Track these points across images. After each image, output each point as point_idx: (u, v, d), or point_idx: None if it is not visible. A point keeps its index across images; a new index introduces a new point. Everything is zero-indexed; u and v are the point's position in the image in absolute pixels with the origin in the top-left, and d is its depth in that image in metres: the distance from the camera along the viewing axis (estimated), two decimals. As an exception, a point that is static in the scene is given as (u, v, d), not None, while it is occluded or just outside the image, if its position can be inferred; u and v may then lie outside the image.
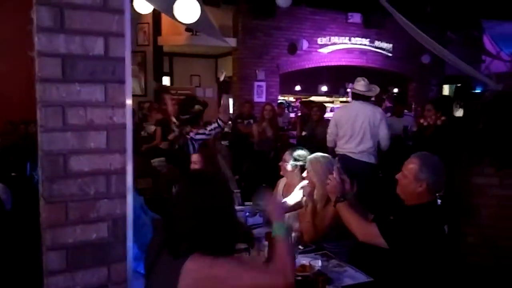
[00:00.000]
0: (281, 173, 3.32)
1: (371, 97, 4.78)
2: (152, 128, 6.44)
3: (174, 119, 4.52)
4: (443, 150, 2.43)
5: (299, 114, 9.27)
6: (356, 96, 4.71)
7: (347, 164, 4.04)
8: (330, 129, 4.76)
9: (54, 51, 1.38)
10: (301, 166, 3.17)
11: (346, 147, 4.48)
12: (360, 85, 4.67)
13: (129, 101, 1.52)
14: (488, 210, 3.26)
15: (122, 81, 1.50)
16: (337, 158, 2.49)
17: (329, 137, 4.80)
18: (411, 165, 2.18)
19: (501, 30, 9.94)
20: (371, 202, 2.63)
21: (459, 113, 6.40)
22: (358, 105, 4.63)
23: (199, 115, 4.38)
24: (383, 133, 4.44)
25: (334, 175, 2.37)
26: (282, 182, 3.41)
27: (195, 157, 3.32)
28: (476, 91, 11.38)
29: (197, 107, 4.36)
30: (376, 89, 4.80)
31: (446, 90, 12.61)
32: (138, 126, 6.63)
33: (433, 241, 2.10)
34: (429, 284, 2.10)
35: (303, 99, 10.77)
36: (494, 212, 3.24)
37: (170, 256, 1.52)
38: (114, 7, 1.46)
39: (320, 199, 2.77)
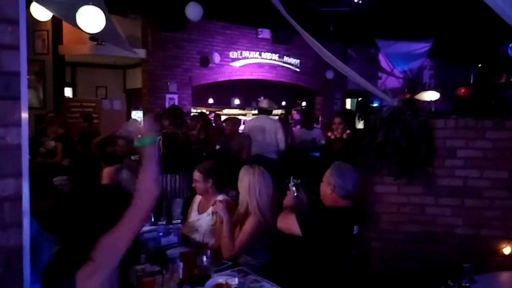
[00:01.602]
0: (197, 193, 3.27)
1: (272, 111, 6.20)
2: (52, 144, 5.92)
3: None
4: (349, 161, 2.59)
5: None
6: (262, 111, 6.11)
7: (260, 160, 5.07)
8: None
9: None
10: (213, 179, 3.15)
11: (257, 148, 5.69)
12: (264, 102, 6.19)
13: (25, 119, 1.37)
14: (387, 216, 3.54)
15: (16, 97, 1.35)
16: (292, 178, 2.59)
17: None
18: (327, 172, 2.47)
19: (394, 49, 10.95)
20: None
21: (360, 125, 6.91)
22: (263, 117, 6.02)
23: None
24: (281, 138, 5.84)
25: (290, 190, 2.57)
26: (197, 199, 3.36)
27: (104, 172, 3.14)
28: (374, 104, 12.41)
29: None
30: (274, 106, 6.37)
31: (348, 103, 13.56)
32: (35, 142, 6.06)
33: (340, 237, 2.33)
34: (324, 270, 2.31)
35: (216, 112, 10.80)
36: (393, 218, 3.53)
37: (64, 273, 1.46)
38: (6, 17, 1.32)
39: (244, 211, 2.76)
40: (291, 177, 2.60)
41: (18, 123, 1.36)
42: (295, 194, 2.56)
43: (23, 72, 1.37)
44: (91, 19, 4.29)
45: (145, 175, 1.54)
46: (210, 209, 3.05)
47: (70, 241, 1.53)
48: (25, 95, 1.37)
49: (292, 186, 2.57)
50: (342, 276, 2.36)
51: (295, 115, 10.25)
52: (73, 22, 4.35)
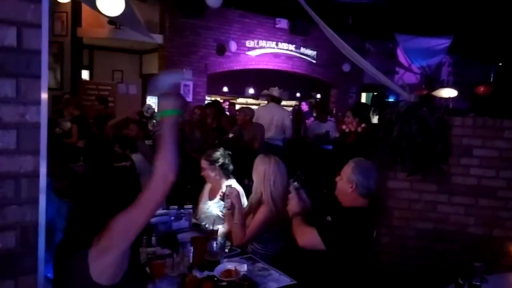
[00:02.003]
0: (207, 181, 3.29)
1: (281, 100, 6.57)
2: (68, 125, 6.00)
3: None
4: (362, 155, 2.56)
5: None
6: (272, 99, 6.33)
7: (266, 146, 5.54)
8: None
9: (-45, 39, 1.23)
10: (220, 166, 3.17)
11: (266, 135, 5.90)
12: (276, 91, 6.39)
13: (44, 98, 1.39)
14: (399, 212, 3.52)
15: (37, 76, 1.37)
16: (292, 180, 2.51)
17: None
18: (347, 168, 2.35)
19: (413, 44, 10.76)
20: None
21: (375, 120, 6.84)
22: (273, 105, 6.29)
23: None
24: (288, 125, 6.19)
25: (292, 194, 2.44)
26: (208, 186, 3.38)
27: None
28: (390, 99, 12.28)
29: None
30: (285, 96, 7.10)
31: (364, 97, 13.43)
32: (52, 122, 6.14)
33: (363, 244, 2.23)
34: (351, 283, 2.21)
35: (231, 101, 10.78)
36: (405, 214, 3.51)
37: (75, 252, 1.46)
38: (29, -6, 1.33)
39: (257, 200, 2.77)
40: (291, 180, 2.53)
41: (37, 102, 1.38)
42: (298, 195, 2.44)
43: (44, 51, 1.38)
44: (110, 2, 4.31)
45: (161, 158, 1.46)
46: (218, 195, 3.07)
47: (81, 221, 1.53)
48: (45, 74, 1.39)
49: (294, 189, 2.46)
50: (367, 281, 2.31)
51: (304, 107, 10.19)
52: (92, 4, 4.37)
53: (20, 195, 1.36)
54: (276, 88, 6.50)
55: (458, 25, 9.21)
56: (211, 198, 3.27)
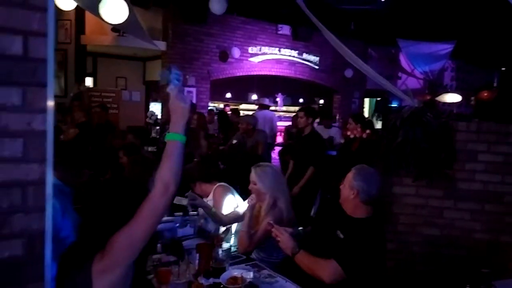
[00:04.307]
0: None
1: (269, 107, 8.54)
2: (72, 131, 6.01)
3: None
4: (367, 161, 2.56)
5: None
6: (263, 107, 8.24)
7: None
8: None
9: (-36, 48, 1.23)
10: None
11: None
12: (266, 100, 8.52)
13: (50, 106, 1.39)
14: (405, 218, 3.50)
15: (43, 84, 1.37)
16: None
17: None
18: (349, 174, 2.36)
19: (415, 49, 10.79)
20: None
21: (378, 125, 6.83)
22: (266, 111, 8.15)
23: None
24: (275, 124, 8.08)
25: (281, 231, 2.38)
26: None
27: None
28: (393, 105, 12.27)
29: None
30: (272, 104, 8.70)
31: (367, 103, 13.43)
32: (55, 129, 6.15)
33: (378, 256, 2.24)
34: None
35: (234, 107, 10.79)
36: (410, 220, 3.49)
37: (78, 265, 1.45)
38: (35, 4, 1.33)
39: (265, 208, 2.76)
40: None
41: (44, 110, 1.38)
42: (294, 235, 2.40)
43: (50, 60, 1.38)
44: (114, 10, 4.34)
45: (163, 169, 1.43)
46: (209, 197, 3.16)
47: (84, 232, 1.52)
48: (51, 83, 1.39)
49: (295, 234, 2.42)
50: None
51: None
52: (96, 12, 4.40)
53: (27, 203, 1.35)
54: (264, 98, 8.86)
55: (461, 30, 9.22)
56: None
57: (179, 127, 1.48)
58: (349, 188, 2.30)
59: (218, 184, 3.20)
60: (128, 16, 4.61)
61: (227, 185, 3.22)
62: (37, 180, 1.37)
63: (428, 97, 9.70)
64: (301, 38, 10.59)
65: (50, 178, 1.40)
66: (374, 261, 2.20)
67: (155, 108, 9.63)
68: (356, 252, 2.16)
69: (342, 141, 6.02)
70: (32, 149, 1.36)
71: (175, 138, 1.47)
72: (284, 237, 2.34)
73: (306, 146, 4.63)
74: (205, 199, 3.14)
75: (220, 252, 2.22)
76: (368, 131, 4.31)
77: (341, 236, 2.32)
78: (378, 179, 2.34)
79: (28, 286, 1.37)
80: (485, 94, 9.46)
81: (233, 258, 2.43)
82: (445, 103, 9.78)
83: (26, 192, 1.35)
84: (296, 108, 12.50)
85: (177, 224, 2.71)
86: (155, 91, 10.06)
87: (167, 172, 1.43)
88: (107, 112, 7.01)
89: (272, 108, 12.49)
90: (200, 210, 3.05)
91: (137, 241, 1.41)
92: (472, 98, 9.41)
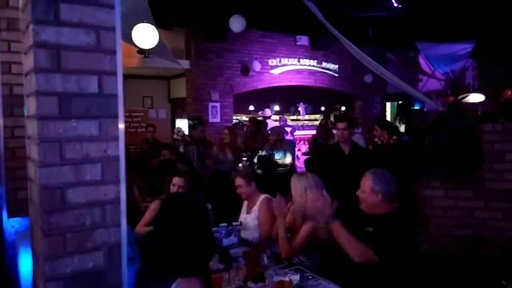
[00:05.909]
0: (242, 198, 3.51)
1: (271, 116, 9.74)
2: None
3: None
4: (397, 165, 2.69)
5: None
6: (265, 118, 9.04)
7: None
8: None
9: (51, 90, 1.46)
10: (251, 180, 3.45)
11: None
12: (267, 111, 10.09)
13: (122, 134, 1.61)
14: (436, 220, 3.59)
15: (115, 116, 1.58)
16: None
17: None
18: (367, 181, 2.46)
19: (435, 51, 10.77)
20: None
21: (401, 128, 6.88)
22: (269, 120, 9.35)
23: None
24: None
25: (324, 193, 2.52)
26: (245, 202, 3.59)
27: (177, 180, 3.43)
28: (415, 107, 12.24)
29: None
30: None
31: (388, 107, 13.42)
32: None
33: (410, 245, 2.34)
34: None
35: (259, 119, 10.96)
36: (441, 222, 3.58)
37: (156, 283, 1.58)
38: (107, 48, 1.56)
39: (298, 216, 2.92)
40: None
41: (116, 138, 1.60)
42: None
43: (119, 94, 1.60)
44: (146, 36, 4.60)
45: None
46: (254, 208, 3.37)
47: (161, 250, 1.59)
48: (122, 114, 1.61)
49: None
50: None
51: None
52: (129, 40, 4.68)
53: (106, 219, 1.57)
54: (268, 109, 10.62)
55: (480, 29, 9.20)
56: (248, 212, 3.49)
57: None
58: (371, 192, 2.41)
59: (264, 196, 3.40)
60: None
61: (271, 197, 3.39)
62: (114, 199, 1.58)
63: (452, 99, 9.66)
64: (319, 48, 10.75)
65: (123, 196, 1.61)
66: (408, 247, 2.31)
67: (181, 124, 9.94)
68: (393, 241, 2.26)
69: (370, 147, 6.08)
70: (108, 172, 1.57)
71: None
72: (326, 202, 2.36)
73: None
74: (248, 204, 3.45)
75: (265, 258, 2.38)
76: (395, 137, 4.42)
77: (370, 229, 2.43)
78: (392, 178, 2.46)
79: (110, 292, 1.57)
80: (510, 93, 9.37)
81: (277, 264, 2.59)
82: (468, 103, 9.71)
83: (105, 210, 1.57)
84: (318, 116, 12.70)
85: (222, 234, 2.88)
86: (180, 108, 10.38)
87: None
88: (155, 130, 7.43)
89: (294, 117, 12.81)
90: (242, 219, 3.30)
91: None
92: (501, 98, 9.31)
